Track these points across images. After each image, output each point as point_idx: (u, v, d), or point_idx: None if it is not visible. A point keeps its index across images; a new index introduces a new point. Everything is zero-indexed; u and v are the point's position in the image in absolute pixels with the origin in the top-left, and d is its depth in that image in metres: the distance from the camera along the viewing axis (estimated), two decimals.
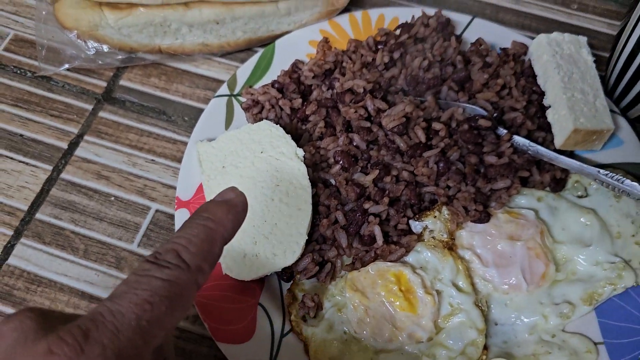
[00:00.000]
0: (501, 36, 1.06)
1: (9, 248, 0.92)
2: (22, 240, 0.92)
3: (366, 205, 0.85)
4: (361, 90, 0.92)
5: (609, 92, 1.05)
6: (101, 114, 1.04)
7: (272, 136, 0.89)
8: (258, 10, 1.01)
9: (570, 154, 0.96)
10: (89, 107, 1.04)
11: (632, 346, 0.81)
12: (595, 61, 0.98)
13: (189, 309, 0.51)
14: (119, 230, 0.93)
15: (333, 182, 0.89)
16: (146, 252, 0.92)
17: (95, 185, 0.97)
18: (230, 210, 0.60)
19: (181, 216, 0.88)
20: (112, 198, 0.96)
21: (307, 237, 0.82)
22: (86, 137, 1.01)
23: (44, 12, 1.02)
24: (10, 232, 0.93)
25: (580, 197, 0.94)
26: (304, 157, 0.87)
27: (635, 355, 0.80)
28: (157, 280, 0.49)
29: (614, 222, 0.90)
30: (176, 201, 0.90)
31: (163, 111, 1.04)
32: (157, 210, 0.95)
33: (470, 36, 1.06)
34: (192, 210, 0.88)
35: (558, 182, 0.93)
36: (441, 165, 0.89)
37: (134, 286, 0.48)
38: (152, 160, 0.99)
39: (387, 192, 0.87)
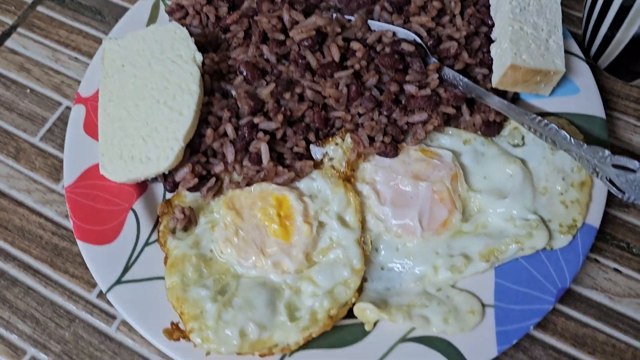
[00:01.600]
0: None
1: None
2: None
3: (256, 120, 0.78)
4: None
5: (582, 39, 0.91)
6: (39, 8, 1.02)
7: (175, 38, 0.83)
8: None
9: (516, 98, 0.84)
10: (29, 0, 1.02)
11: (525, 315, 0.70)
12: (567, 6, 0.85)
13: None
14: (25, 122, 0.91)
15: (234, 94, 0.82)
16: (47, 147, 0.89)
17: (15, 76, 0.95)
18: None
19: (77, 112, 0.85)
20: (28, 90, 0.94)
21: (183, 145, 0.76)
22: (19, 29, 1.00)
23: None
24: None
25: (515, 146, 0.82)
26: (203, 63, 0.81)
27: (524, 325, 0.69)
28: None
29: (542, 176, 0.78)
30: (76, 96, 0.86)
31: (99, 11, 1.01)
32: (67, 107, 0.93)
33: None
34: (90, 109, 0.85)
35: (490, 126, 0.81)
36: (353, 88, 0.79)
37: None
38: (76, 58, 0.96)
39: (282, 109, 0.79)
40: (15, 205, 0.85)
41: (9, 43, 0.98)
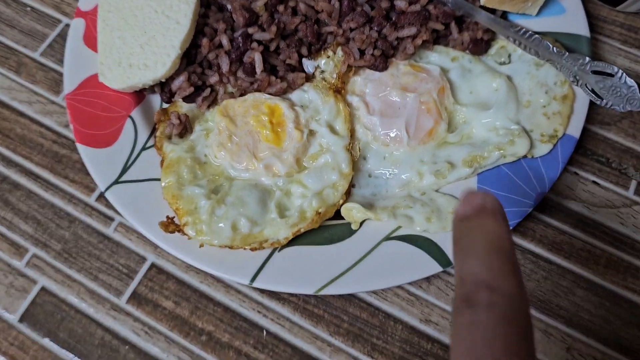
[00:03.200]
0: None
1: None
2: None
3: (251, 30, 0.80)
4: None
5: None
6: None
7: None
8: None
9: (504, 17, 0.86)
10: None
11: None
12: None
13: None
14: (26, 38, 0.94)
15: (229, 7, 0.85)
16: (47, 62, 0.92)
17: None
18: (503, 218, 0.48)
19: (76, 25, 0.87)
20: (28, 8, 0.96)
21: (180, 52, 0.79)
22: None
23: None
24: None
25: (502, 64, 0.85)
26: None
27: None
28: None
29: (526, 90, 0.81)
30: (76, 10, 0.88)
31: None
32: (66, 25, 0.95)
33: None
34: (89, 22, 0.87)
35: (478, 44, 0.84)
36: (345, 3, 0.82)
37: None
38: None
39: (277, 21, 0.81)
40: (16, 116, 0.88)
41: None
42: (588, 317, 0.74)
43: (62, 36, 0.93)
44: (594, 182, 0.81)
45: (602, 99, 0.71)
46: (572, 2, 0.86)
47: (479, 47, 0.84)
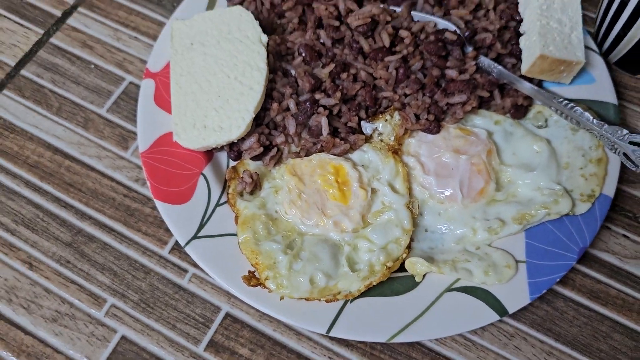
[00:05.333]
0: None
1: None
2: (5, 91, 0.99)
3: (317, 96, 0.88)
4: None
5: (595, 36, 1.03)
6: None
7: (241, 20, 0.92)
8: None
9: (539, 85, 0.96)
10: None
11: (552, 269, 0.81)
12: (583, 7, 0.96)
13: None
14: (92, 95, 0.99)
15: (293, 73, 0.92)
16: (113, 118, 0.97)
17: (79, 52, 1.02)
18: None
19: (147, 85, 0.93)
20: (92, 66, 1.01)
21: (253, 115, 0.85)
22: (80, 9, 1.07)
23: None
24: None
25: (539, 127, 0.93)
26: (267, 44, 0.90)
27: (552, 277, 0.81)
28: None
29: (565, 153, 0.90)
30: (145, 71, 0.94)
31: None
32: (130, 83, 1.00)
33: None
34: (159, 83, 0.93)
35: (519, 109, 0.93)
36: (401, 71, 0.90)
37: None
38: (136, 37, 1.04)
39: (340, 87, 0.89)
40: (87, 170, 0.93)
41: (71, 21, 1.05)
42: None
43: (127, 93, 0.99)
44: (624, 235, 0.90)
45: (638, 166, 0.80)
46: (600, 72, 0.96)
47: (519, 112, 0.93)
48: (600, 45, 1.01)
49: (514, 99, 0.93)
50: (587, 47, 0.96)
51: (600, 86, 0.95)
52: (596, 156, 0.89)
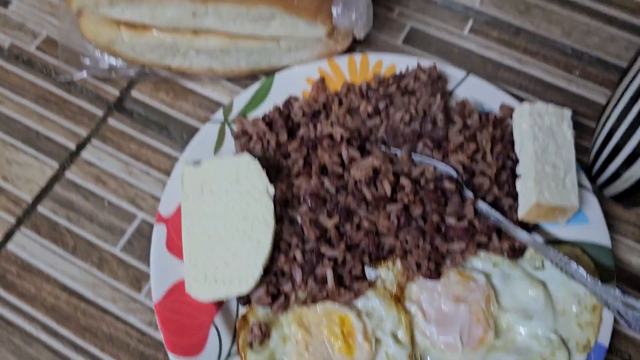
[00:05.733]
0: (492, 96, 1.09)
1: (9, 234, 1.03)
2: (22, 229, 1.03)
3: (322, 249, 0.92)
4: (339, 137, 0.98)
5: (589, 167, 1.06)
6: (110, 121, 1.13)
7: (249, 170, 0.96)
8: (260, 45, 1.07)
9: (534, 224, 0.99)
10: (101, 113, 1.14)
11: None
12: (576, 135, 1.00)
13: None
14: (106, 233, 1.03)
15: (299, 219, 0.96)
16: (127, 258, 1.01)
17: (93, 188, 1.07)
18: None
19: (159, 231, 0.97)
20: (106, 202, 1.06)
21: (262, 271, 0.89)
22: (93, 141, 1.11)
23: (69, 19, 1.11)
24: (13, 220, 1.04)
25: (536, 268, 0.97)
26: (274, 194, 0.94)
27: None
28: None
29: (561, 299, 0.93)
30: (157, 216, 0.98)
31: (165, 126, 1.13)
32: (142, 220, 1.04)
33: (463, 92, 1.10)
34: (170, 229, 0.97)
35: (516, 251, 0.96)
36: (402, 220, 0.94)
37: None
38: (147, 172, 1.08)
39: (344, 237, 0.93)
40: (102, 313, 0.97)
41: (85, 154, 1.09)
42: None
43: (140, 232, 1.03)
44: None
45: (631, 326, 0.84)
46: (593, 212, 0.99)
47: (517, 253, 0.97)
48: (594, 179, 1.05)
49: (511, 242, 0.96)
50: (580, 186, 1.00)
51: (593, 227, 0.98)
52: (591, 303, 0.92)
